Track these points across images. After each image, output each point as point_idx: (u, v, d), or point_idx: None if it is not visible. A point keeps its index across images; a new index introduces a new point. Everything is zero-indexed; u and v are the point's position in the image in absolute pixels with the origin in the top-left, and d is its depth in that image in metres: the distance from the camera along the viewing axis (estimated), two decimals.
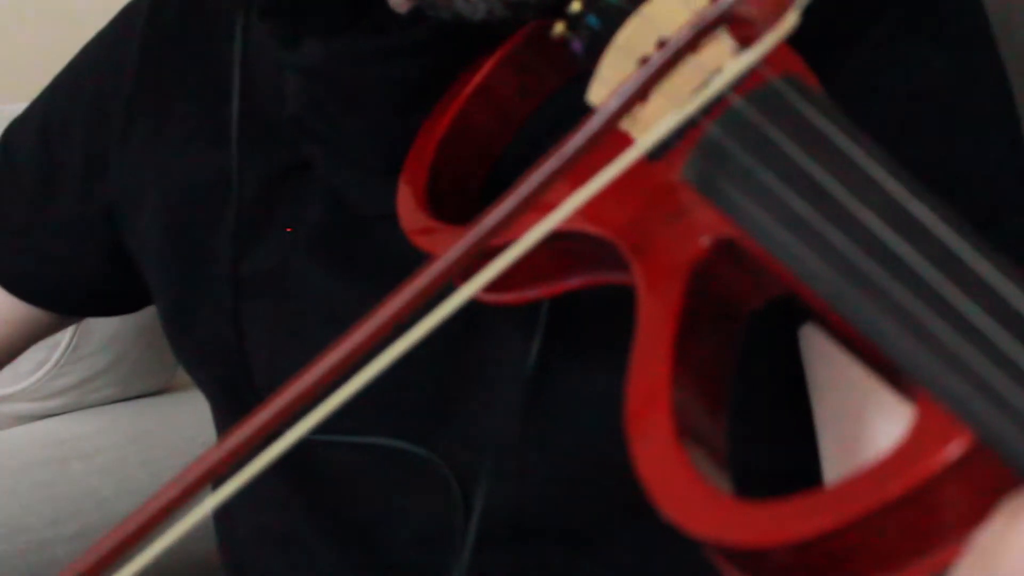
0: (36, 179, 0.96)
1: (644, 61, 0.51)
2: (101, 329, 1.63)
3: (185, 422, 1.59)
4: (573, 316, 0.74)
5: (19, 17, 1.90)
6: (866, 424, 0.70)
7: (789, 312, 0.72)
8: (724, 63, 0.55)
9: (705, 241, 0.53)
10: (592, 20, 0.59)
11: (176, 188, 0.88)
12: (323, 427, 0.81)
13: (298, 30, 0.79)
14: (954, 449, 0.44)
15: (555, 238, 0.58)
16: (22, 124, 0.99)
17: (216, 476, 0.51)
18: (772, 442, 0.78)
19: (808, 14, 0.63)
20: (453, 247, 0.51)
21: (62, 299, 0.99)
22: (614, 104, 0.49)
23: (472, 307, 0.65)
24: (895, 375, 0.48)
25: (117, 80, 0.91)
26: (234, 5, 0.85)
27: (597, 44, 0.58)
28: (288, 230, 0.82)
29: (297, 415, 0.51)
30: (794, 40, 0.59)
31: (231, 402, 0.89)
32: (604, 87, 0.58)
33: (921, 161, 0.68)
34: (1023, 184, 0.74)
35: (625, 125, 0.56)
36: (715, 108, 0.53)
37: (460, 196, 0.70)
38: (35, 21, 1.89)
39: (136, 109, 0.90)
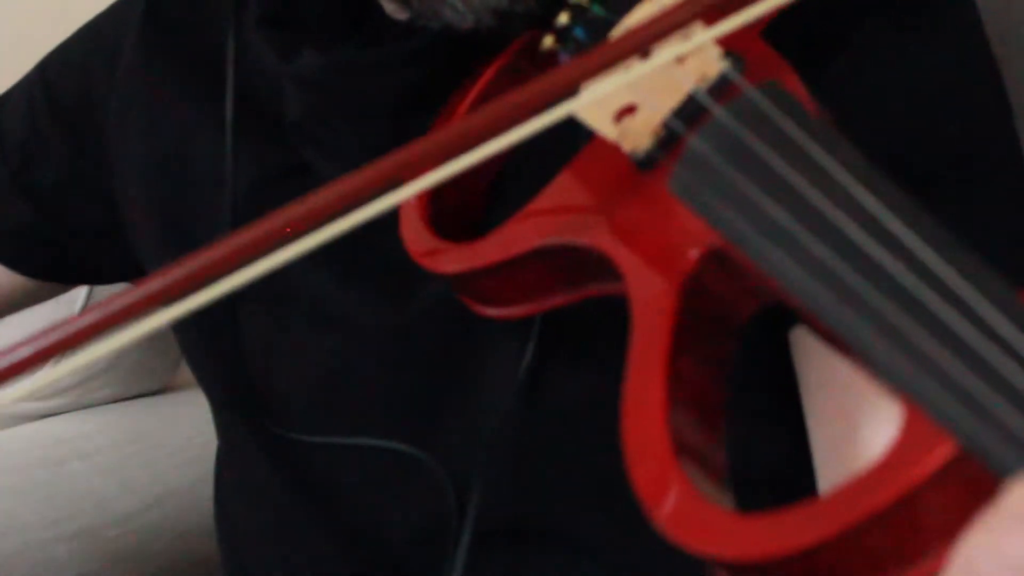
0: (20, 147, 0.96)
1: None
2: None
3: (185, 422, 1.58)
4: (567, 319, 0.74)
5: (17, 17, 1.90)
6: (857, 424, 0.70)
7: (779, 316, 0.72)
8: (709, 72, 0.55)
9: (694, 253, 0.53)
10: (579, 32, 0.60)
11: (172, 180, 0.88)
12: (319, 430, 0.82)
13: (295, 40, 0.79)
14: (937, 457, 0.45)
15: (547, 254, 0.58)
16: (12, 96, 0.99)
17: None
18: (767, 445, 0.78)
19: (794, 13, 0.63)
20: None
21: (41, 262, 1.00)
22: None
23: (467, 311, 0.66)
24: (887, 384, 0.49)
25: (112, 61, 0.92)
26: (227, 12, 0.85)
27: None
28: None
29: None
30: (780, 40, 0.60)
31: (228, 400, 0.90)
32: (589, 95, 0.58)
33: (911, 161, 0.69)
34: (1018, 179, 0.74)
35: (614, 135, 0.57)
36: (698, 120, 0.54)
37: (463, 211, 0.70)
38: (34, 20, 1.89)
39: (131, 93, 0.91)
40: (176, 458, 1.56)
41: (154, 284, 0.48)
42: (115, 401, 1.66)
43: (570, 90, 0.51)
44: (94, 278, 1.07)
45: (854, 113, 0.62)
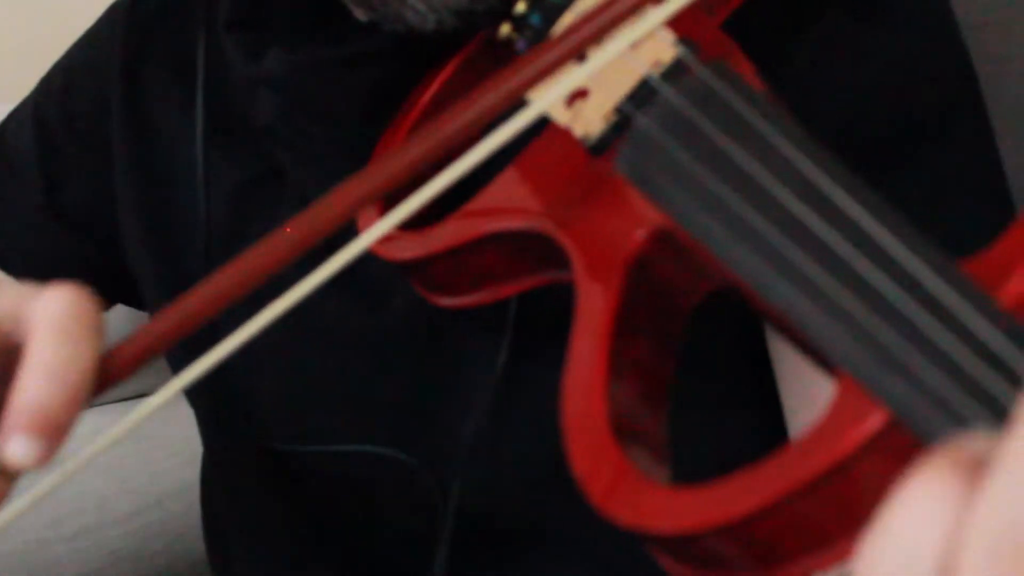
0: (41, 172, 0.95)
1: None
2: None
3: (185, 422, 1.58)
4: (541, 315, 0.75)
5: (16, 15, 1.91)
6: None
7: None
8: (663, 57, 0.56)
9: (641, 234, 0.53)
10: (535, 19, 0.60)
11: (153, 186, 0.88)
12: (302, 438, 0.82)
13: (263, 42, 0.80)
14: (868, 426, 0.45)
15: (498, 240, 0.59)
16: (14, 122, 0.99)
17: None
18: (740, 435, 0.78)
19: (755, 7, 0.64)
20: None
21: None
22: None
23: (441, 309, 0.66)
24: (822, 359, 0.49)
25: (107, 74, 0.92)
26: (198, 18, 0.86)
27: (538, 41, 0.60)
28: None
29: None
30: (741, 32, 0.60)
31: (212, 411, 0.90)
32: (550, 90, 0.58)
33: (875, 153, 0.69)
34: (986, 168, 0.74)
35: (566, 120, 0.57)
36: (646, 99, 0.54)
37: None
38: (32, 20, 1.90)
39: (121, 106, 0.91)
40: (176, 458, 1.56)
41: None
42: (115, 401, 1.67)
43: (521, 97, 0.52)
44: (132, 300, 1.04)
45: (817, 106, 0.62)
